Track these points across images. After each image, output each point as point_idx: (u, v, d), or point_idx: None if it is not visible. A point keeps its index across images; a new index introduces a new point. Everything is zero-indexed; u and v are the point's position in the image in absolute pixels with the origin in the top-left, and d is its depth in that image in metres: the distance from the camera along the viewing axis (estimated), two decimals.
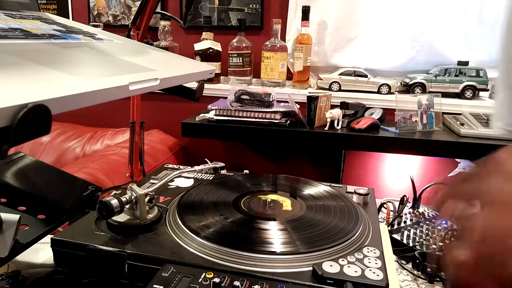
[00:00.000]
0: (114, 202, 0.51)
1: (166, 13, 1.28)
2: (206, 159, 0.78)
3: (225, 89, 1.43)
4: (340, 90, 1.43)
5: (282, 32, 1.50)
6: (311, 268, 0.45)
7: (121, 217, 0.54)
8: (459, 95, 1.35)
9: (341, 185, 0.73)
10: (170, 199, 0.64)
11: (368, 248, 0.50)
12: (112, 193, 0.54)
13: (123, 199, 0.52)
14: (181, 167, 0.80)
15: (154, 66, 0.47)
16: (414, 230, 0.83)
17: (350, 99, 1.38)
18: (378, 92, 1.41)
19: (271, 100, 1.25)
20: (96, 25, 1.63)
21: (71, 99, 0.30)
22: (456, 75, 1.34)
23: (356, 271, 0.45)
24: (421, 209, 0.96)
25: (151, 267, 0.47)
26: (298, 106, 1.31)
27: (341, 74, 1.43)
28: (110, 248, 0.49)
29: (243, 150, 1.62)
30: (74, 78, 0.33)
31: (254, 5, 1.54)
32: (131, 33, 0.83)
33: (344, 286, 0.43)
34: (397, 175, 1.51)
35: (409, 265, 0.71)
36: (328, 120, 1.21)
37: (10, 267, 0.53)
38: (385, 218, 0.89)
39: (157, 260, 0.47)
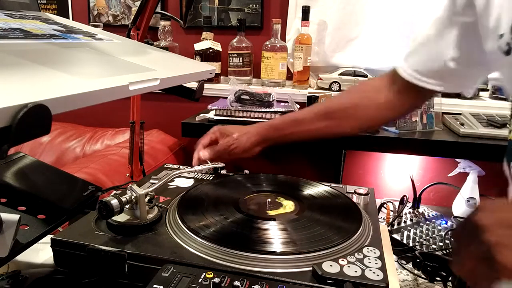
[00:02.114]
0: (114, 202, 0.51)
1: (166, 13, 1.28)
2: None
3: (225, 89, 1.43)
4: (340, 90, 1.43)
5: (282, 32, 1.50)
6: (311, 268, 0.45)
7: (121, 217, 0.54)
8: (459, 95, 1.35)
9: (341, 185, 0.73)
10: (170, 199, 0.64)
11: (368, 248, 0.50)
12: (112, 193, 0.54)
13: (123, 199, 0.52)
14: (181, 167, 0.80)
15: (154, 66, 0.47)
16: (414, 230, 0.83)
17: None
18: None
19: (271, 100, 1.25)
20: (96, 25, 1.63)
21: (71, 99, 0.30)
22: None
23: (356, 271, 0.45)
24: (421, 209, 0.96)
25: (151, 267, 0.47)
26: (298, 106, 1.31)
27: (341, 74, 1.43)
28: (110, 248, 0.49)
29: None
30: (74, 78, 0.33)
31: (254, 5, 1.54)
32: (131, 33, 0.83)
33: (344, 286, 0.43)
34: (397, 175, 1.51)
35: (409, 265, 0.71)
36: None
37: (10, 267, 0.53)
38: (385, 218, 0.89)
39: (157, 260, 0.47)
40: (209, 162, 0.75)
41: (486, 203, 0.40)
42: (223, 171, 0.76)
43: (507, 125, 0.52)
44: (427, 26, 0.68)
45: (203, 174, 0.75)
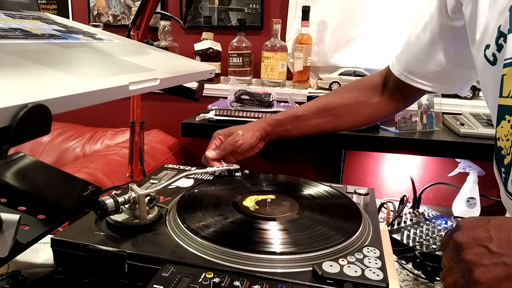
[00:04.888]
0: (109, 202, 0.51)
1: (166, 13, 1.27)
2: (221, 160, 0.77)
3: (225, 89, 1.43)
4: None
5: (282, 32, 1.50)
6: (311, 268, 0.45)
7: (121, 217, 0.54)
8: (459, 95, 1.35)
9: (341, 185, 0.73)
10: (170, 199, 0.64)
11: (368, 248, 0.50)
12: (112, 193, 0.54)
13: (120, 199, 0.52)
14: (187, 167, 0.79)
15: (154, 66, 0.47)
16: (414, 230, 0.83)
17: None
18: None
19: (271, 100, 1.25)
20: (96, 25, 1.63)
21: (71, 99, 0.30)
22: None
23: (356, 271, 0.45)
24: (421, 209, 0.96)
25: (151, 267, 0.47)
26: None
27: (341, 74, 1.44)
28: (110, 248, 0.49)
29: None
30: (74, 78, 0.33)
31: (254, 5, 1.54)
32: (131, 33, 0.83)
33: (344, 286, 0.43)
34: (397, 175, 1.51)
35: (409, 265, 0.71)
36: None
37: (10, 267, 0.53)
38: (385, 218, 0.89)
39: (157, 260, 0.47)
40: (223, 163, 0.74)
41: (464, 221, 0.42)
42: (237, 174, 0.74)
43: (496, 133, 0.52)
44: (418, 27, 0.68)
45: (204, 175, 0.75)
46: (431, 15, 0.66)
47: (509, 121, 0.48)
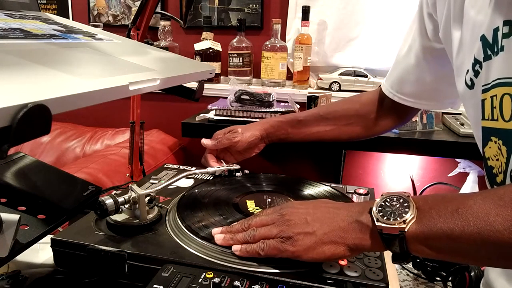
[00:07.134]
0: (109, 202, 0.51)
1: (166, 13, 1.28)
2: (222, 160, 0.77)
3: (225, 89, 1.43)
4: (340, 90, 1.43)
5: (282, 32, 1.50)
6: (311, 268, 0.45)
7: (121, 217, 0.54)
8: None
9: (341, 185, 0.73)
10: (170, 199, 0.64)
11: None
12: (112, 193, 0.54)
13: (120, 199, 0.52)
14: (186, 167, 0.79)
15: (154, 66, 0.47)
16: None
17: None
18: None
19: (271, 100, 1.25)
20: (96, 25, 1.63)
21: (71, 99, 0.30)
22: None
23: (356, 271, 0.45)
24: None
25: (151, 267, 0.47)
26: (298, 106, 1.31)
27: (341, 74, 1.44)
28: (110, 248, 0.49)
29: None
30: (74, 78, 0.33)
31: (254, 5, 1.54)
32: (131, 33, 0.83)
33: (344, 286, 0.43)
34: (397, 175, 1.51)
35: (409, 265, 0.71)
36: None
37: (10, 267, 0.53)
38: None
39: (157, 260, 0.47)
40: (223, 163, 0.74)
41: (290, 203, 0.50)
42: (238, 174, 0.74)
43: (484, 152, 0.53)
44: (403, 50, 0.69)
45: (208, 175, 0.75)
46: (413, 37, 0.66)
47: (495, 142, 0.49)
